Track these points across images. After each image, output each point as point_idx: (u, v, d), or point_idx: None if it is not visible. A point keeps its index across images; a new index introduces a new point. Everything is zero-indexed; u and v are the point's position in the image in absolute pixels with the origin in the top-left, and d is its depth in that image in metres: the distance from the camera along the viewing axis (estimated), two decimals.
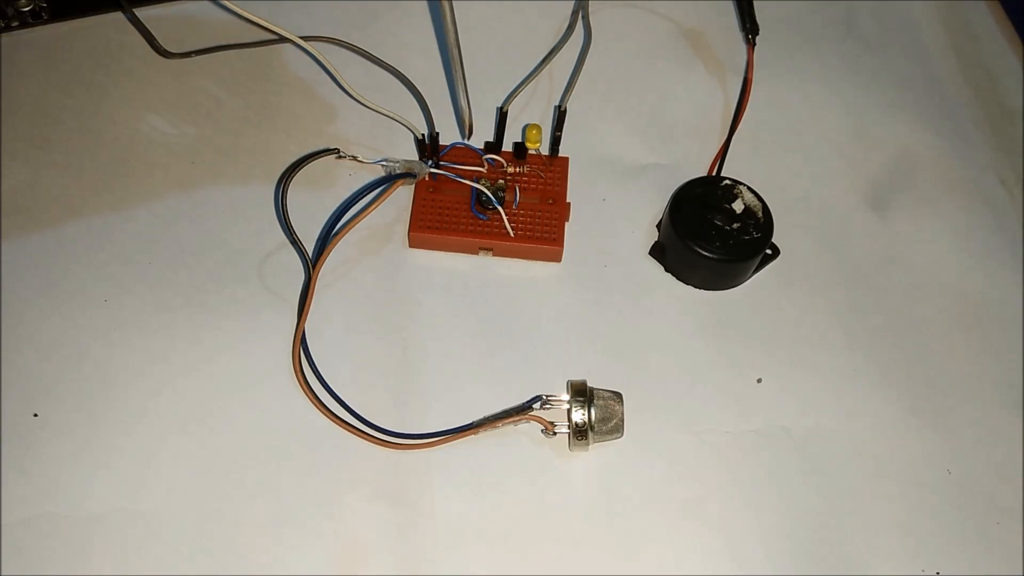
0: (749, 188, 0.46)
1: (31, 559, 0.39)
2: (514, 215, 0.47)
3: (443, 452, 0.42)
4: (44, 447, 0.41)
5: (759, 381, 0.45)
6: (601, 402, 0.42)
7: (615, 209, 0.50)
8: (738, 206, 0.46)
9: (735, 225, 0.45)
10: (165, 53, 0.52)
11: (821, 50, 0.56)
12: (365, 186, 0.49)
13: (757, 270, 0.48)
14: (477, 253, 0.47)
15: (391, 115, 0.47)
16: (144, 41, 0.52)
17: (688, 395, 0.44)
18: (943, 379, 0.45)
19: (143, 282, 0.46)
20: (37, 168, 0.49)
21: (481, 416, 0.43)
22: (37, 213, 0.47)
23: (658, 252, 0.48)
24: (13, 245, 0.46)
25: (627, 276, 0.47)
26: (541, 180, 0.48)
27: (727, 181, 0.47)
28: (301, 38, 0.43)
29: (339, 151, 0.47)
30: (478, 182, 0.47)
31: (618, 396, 0.42)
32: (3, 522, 0.39)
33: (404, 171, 0.47)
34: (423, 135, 0.48)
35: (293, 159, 0.49)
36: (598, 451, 0.42)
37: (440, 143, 0.48)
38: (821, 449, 0.43)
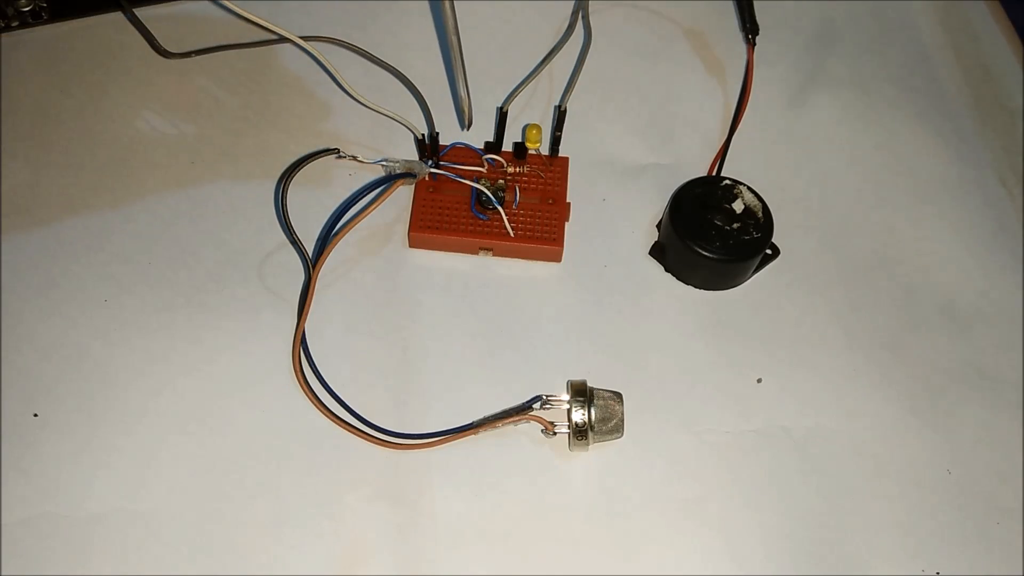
0: (749, 188, 0.46)
1: (31, 559, 0.39)
2: (514, 215, 0.47)
3: (443, 452, 0.42)
4: (44, 447, 0.41)
5: (759, 381, 0.45)
6: (601, 402, 0.42)
7: (615, 209, 0.50)
8: (738, 206, 0.46)
9: (735, 225, 0.45)
10: (165, 53, 0.52)
11: (821, 50, 0.56)
12: (365, 186, 0.49)
13: (757, 270, 0.48)
14: (477, 253, 0.47)
15: (391, 115, 0.47)
16: (144, 41, 0.52)
17: (688, 395, 0.44)
18: (943, 379, 0.45)
19: (143, 282, 0.46)
20: (37, 168, 0.49)
21: (481, 416, 0.43)
22: (37, 213, 0.47)
23: (658, 252, 0.48)
24: (13, 245, 0.46)
25: (627, 276, 0.47)
26: (541, 180, 0.48)
27: (727, 181, 0.47)
28: (301, 38, 0.43)
29: (339, 151, 0.47)
30: (478, 182, 0.47)
31: (618, 396, 0.42)
32: (3, 522, 0.39)
33: (404, 171, 0.47)
34: (423, 135, 0.48)
35: (293, 159, 0.49)
36: (598, 451, 0.42)
37: (440, 143, 0.48)
38: (821, 449, 0.43)
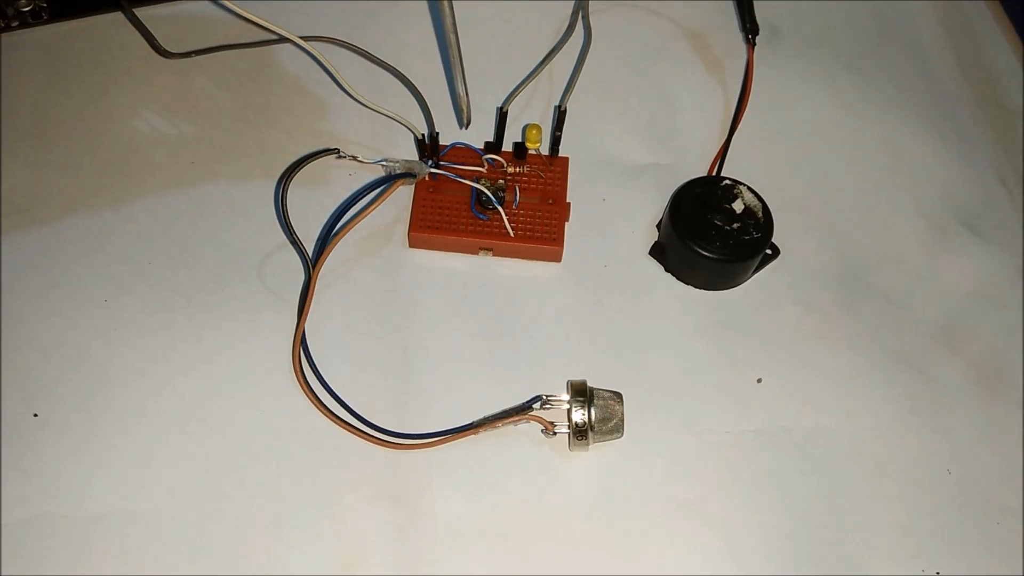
0: (749, 188, 0.46)
1: (31, 559, 0.39)
2: (514, 215, 0.47)
3: (443, 452, 0.42)
4: (44, 447, 0.41)
5: (759, 381, 0.45)
6: (601, 402, 0.42)
7: (615, 209, 0.50)
8: (738, 206, 0.46)
9: (735, 225, 0.45)
10: (165, 53, 0.52)
11: (821, 50, 0.56)
12: (365, 186, 0.49)
13: (757, 270, 0.48)
14: (477, 253, 0.47)
15: (391, 115, 0.47)
16: (144, 41, 0.52)
17: (688, 395, 0.44)
18: (943, 379, 0.45)
19: (143, 282, 0.46)
20: (37, 168, 0.49)
21: (481, 416, 0.43)
22: (37, 213, 0.47)
23: (658, 252, 0.48)
24: (13, 245, 0.46)
25: (627, 276, 0.47)
26: (541, 180, 0.48)
27: (727, 181, 0.47)
28: (301, 38, 0.43)
29: (339, 151, 0.47)
30: (478, 182, 0.47)
31: (618, 396, 0.42)
32: (3, 522, 0.39)
33: (404, 171, 0.47)
34: (423, 135, 0.48)
35: (293, 159, 0.49)
36: (598, 451, 0.42)
37: (440, 143, 0.48)
38: (821, 449, 0.43)
